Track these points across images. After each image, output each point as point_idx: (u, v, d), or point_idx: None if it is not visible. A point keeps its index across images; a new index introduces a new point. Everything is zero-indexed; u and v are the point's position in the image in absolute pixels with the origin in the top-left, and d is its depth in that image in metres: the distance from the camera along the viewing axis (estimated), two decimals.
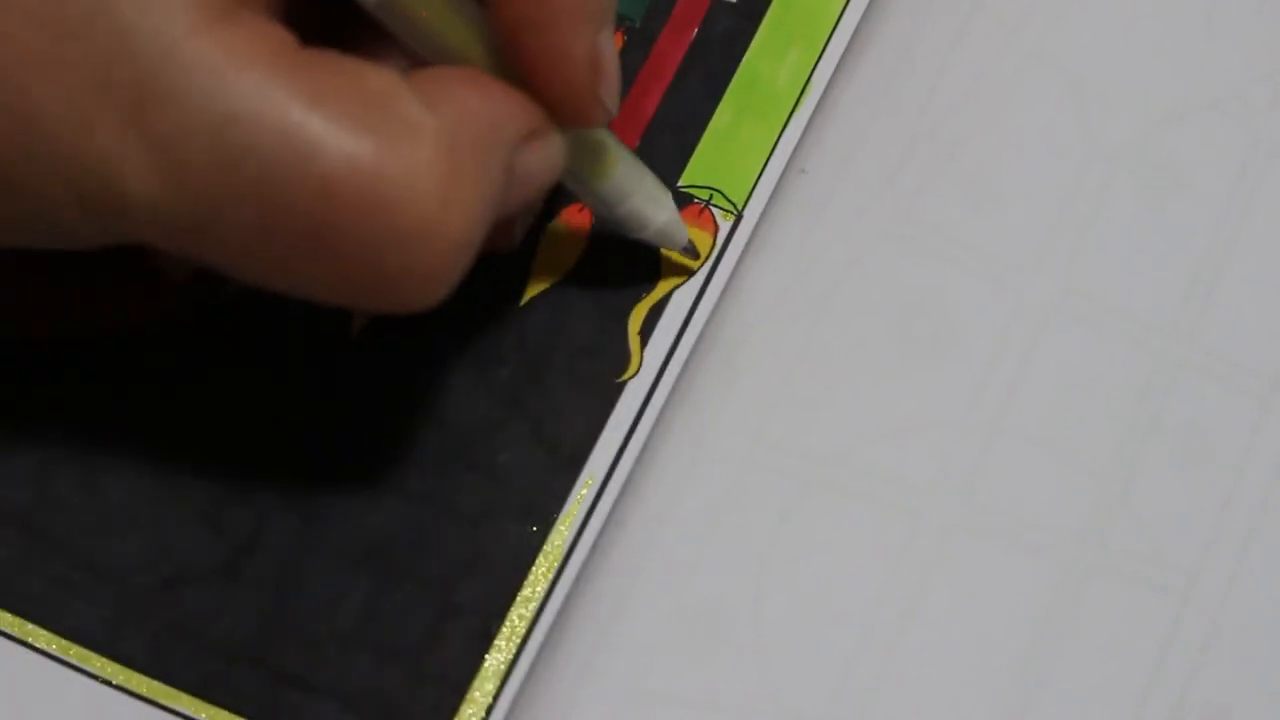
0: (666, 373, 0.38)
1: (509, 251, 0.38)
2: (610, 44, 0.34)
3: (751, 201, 0.40)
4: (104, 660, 0.35)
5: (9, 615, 0.36)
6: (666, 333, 0.38)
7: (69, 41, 0.30)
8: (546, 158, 0.34)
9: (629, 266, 0.39)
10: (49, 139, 0.30)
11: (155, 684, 0.35)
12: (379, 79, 0.31)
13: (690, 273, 0.39)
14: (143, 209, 0.30)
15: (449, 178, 0.31)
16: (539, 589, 0.36)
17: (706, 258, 0.39)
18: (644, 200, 0.37)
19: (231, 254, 0.31)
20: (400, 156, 0.30)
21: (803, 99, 0.41)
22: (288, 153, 0.30)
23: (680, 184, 0.40)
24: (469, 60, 0.33)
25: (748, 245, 0.40)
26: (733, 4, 0.41)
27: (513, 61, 0.33)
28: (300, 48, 0.31)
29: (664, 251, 0.39)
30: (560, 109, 0.33)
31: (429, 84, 0.31)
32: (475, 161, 0.31)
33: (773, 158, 0.40)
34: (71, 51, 0.30)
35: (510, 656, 0.36)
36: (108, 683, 0.35)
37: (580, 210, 0.39)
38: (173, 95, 0.30)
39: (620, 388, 0.38)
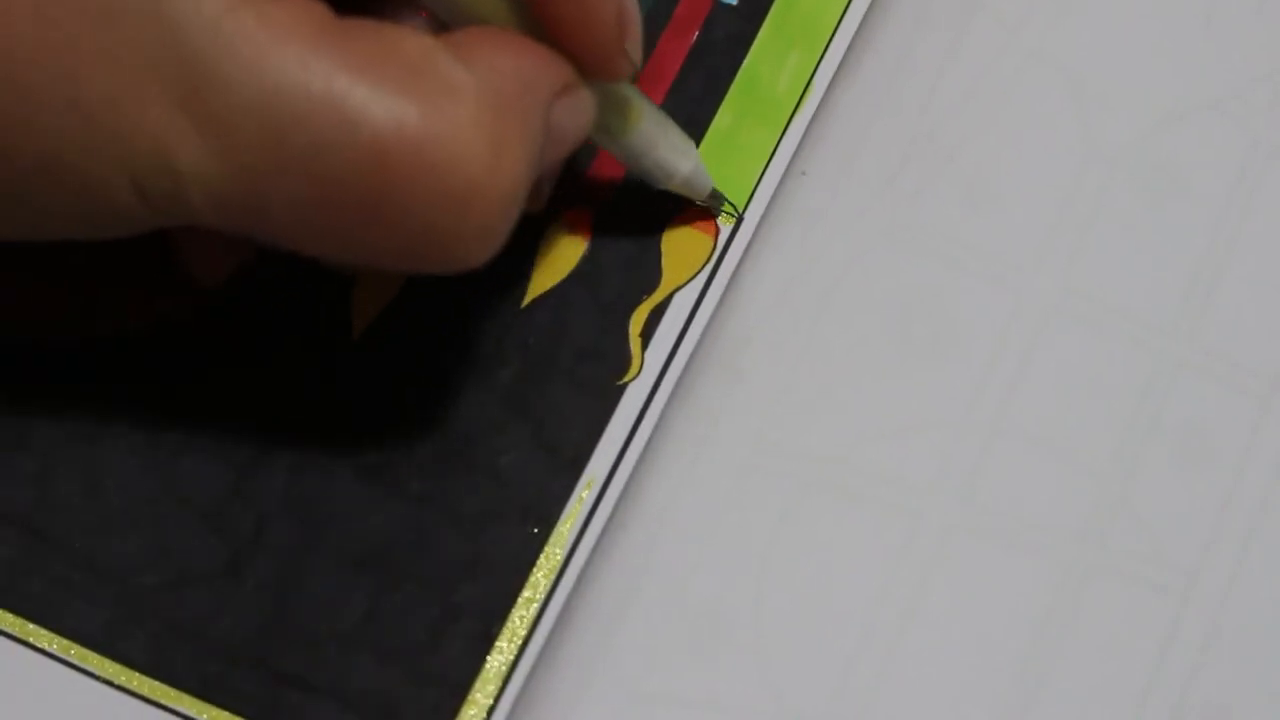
0: (667, 375, 0.38)
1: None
2: (635, 4, 0.34)
3: (752, 204, 0.40)
4: (104, 660, 0.36)
5: (10, 615, 0.36)
6: (667, 335, 0.38)
7: (111, 25, 0.30)
8: (579, 112, 0.34)
9: (630, 268, 0.39)
10: (101, 124, 0.30)
11: (156, 684, 0.35)
12: (416, 43, 0.31)
13: (730, 215, 0.39)
14: (197, 188, 0.31)
15: (494, 135, 0.31)
16: (540, 590, 0.36)
17: (708, 260, 0.39)
18: (669, 150, 0.38)
19: (286, 227, 0.31)
20: (445, 117, 0.31)
21: (803, 102, 0.41)
22: (335, 121, 0.30)
23: None
24: (495, 20, 0.33)
25: (748, 247, 0.40)
26: (733, 6, 0.41)
27: (540, 19, 0.33)
28: (335, 18, 0.31)
29: (696, 206, 0.39)
30: (588, 64, 0.34)
31: (462, 45, 0.32)
32: (517, 118, 0.32)
33: (773, 160, 0.40)
34: (114, 36, 0.30)
35: (511, 658, 0.36)
36: (108, 683, 0.35)
37: (581, 211, 0.39)
38: (218, 72, 0.30)
39: (621, 390, 0.38)
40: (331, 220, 0.31)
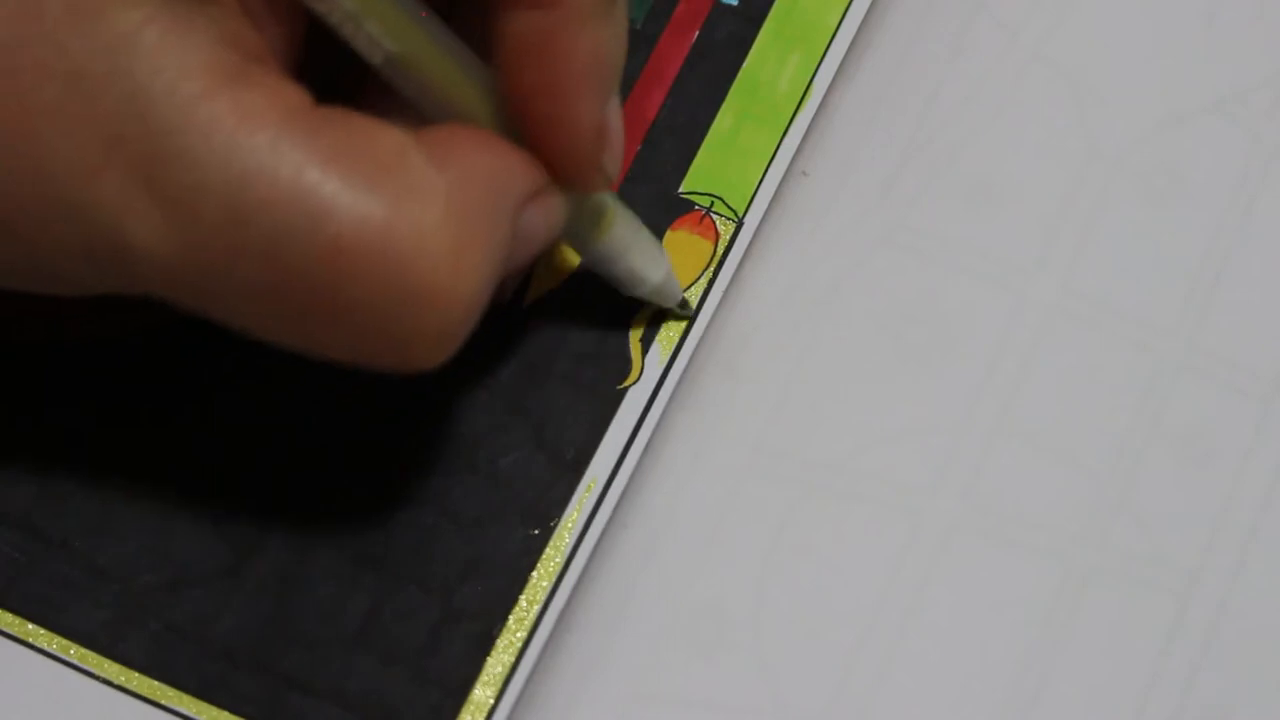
0: (668, 378, 0.38)
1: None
2: (617, 113, 0.34)
3: (752, 207, 0.40)
4: (104, 660, 0.36)
5: (10, 615, 0.36)
6: (668, 339, 0.38)
7: (83, 96, 0.30)
8: (548, 218, 0.34)
9: None
10: (58, 189, 0.30)
11: (156, 685, 0.35)
12: (390, 139, 0.31)
13: (688, 318, 0.39)
14: (150, 264, 0.30)
15: (458, 238, 0.31)
16: (541, 592, 0.36)
17: (708, 265, 0.39)
18: (640, 258, 0.37)
19: (239, 311, 0.31)
20: (411, 217, 0.30)
21: (804, 103, 0.41)
22: (301, 212, 0.30)
23: (681, 190, 0.40)
24: (475, 119, 0.33)
25: (748, 251, 0.40)
26: (734, 7, 0.41)
27: (518, 123, 0.33)
28: (313, 106, 0.31)
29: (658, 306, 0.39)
30: (562, 173, 0.34)
31: (437, 142, 0.32)
32: (483, 221, 0.31)
33: (774, 163, 0.40)
34: (84, 106, 0.30)
35: (512, 660, 0.36)
36: (109, 683, 0.35)
37: None
38: (186, 155, 0.30)
39: (622, 394, 0.38)
40: (285, 310, 0.31)
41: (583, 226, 0.36)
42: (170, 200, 0.30)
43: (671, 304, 0.38)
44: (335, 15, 0.32)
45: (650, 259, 0.37)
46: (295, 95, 0.31)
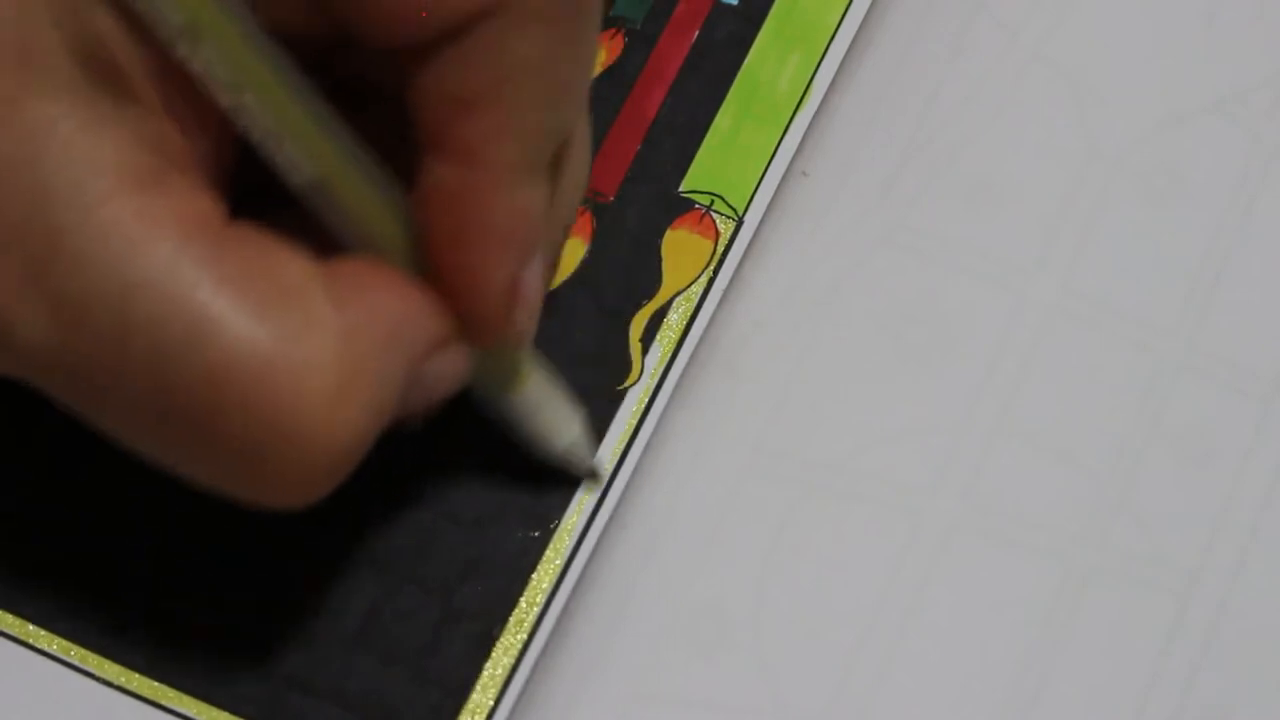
0: (668, 378, 0.38)
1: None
2: (537, 276, 0.33)
3: (752, 206, 0.40)
4: (105, 661, 0.35)
5: (9, 615, 0.36)
6: (668, 339, 0.38)
7: None
8: (451, 369, 0.33)
9: (631, 272, 0.39)
10: None
11: (156, 685, 0.35)
12: (293, 268, 0.31)
13: (598, 487, 0.38)
14: (30, 358, 0.30)
15: (342, 382, 0.30)
16: (541, 592, 0.36)
17: (708, 264, 0.39)
18: (551, 419, 0.36)
19: (113, 420, 0.31)
20: (297, 352, 0.30)
21: (804, 103, 0.41)
22: (186, 332, 0.29)
23: (681, 189, 0.40)
24: (391, 254, 0.32)
25: (749, 249, 0.40)
26: (734, 7, 0.41)
27: (432, 269, 0.32)
28: (223, 223, 0.31)
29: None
30: (470, 328, 0.33)
31: (343, 278, 0.31)
32: (374, 365, 0.31)
33: (774, 162, 0.40)
34: None
35: (512, 661, 0.36)
36: (109, 684, 0.35)
37: (580, 213, 0.39)
38: (80, 257, 0.29)
39: (622, 394, 0.38)
40: (159, 427, 0.30)
41: (491, 380, 0.35)
42: (58, 301, 0.29)
43: (581, 469, 0.37)
44: (256, 133, 0.31)
45: (561, 421, 0.36)
46: (206, 207, 0.30)
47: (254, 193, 0.32)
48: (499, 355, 0.34)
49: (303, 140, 0.31)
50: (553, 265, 0.35)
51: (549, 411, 0.36)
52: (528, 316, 0.33)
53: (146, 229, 0.29)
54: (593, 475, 0.37)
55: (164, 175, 0.30)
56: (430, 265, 0.32)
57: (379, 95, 0.33)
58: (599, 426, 0.38)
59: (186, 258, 0.29)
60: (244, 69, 0.30)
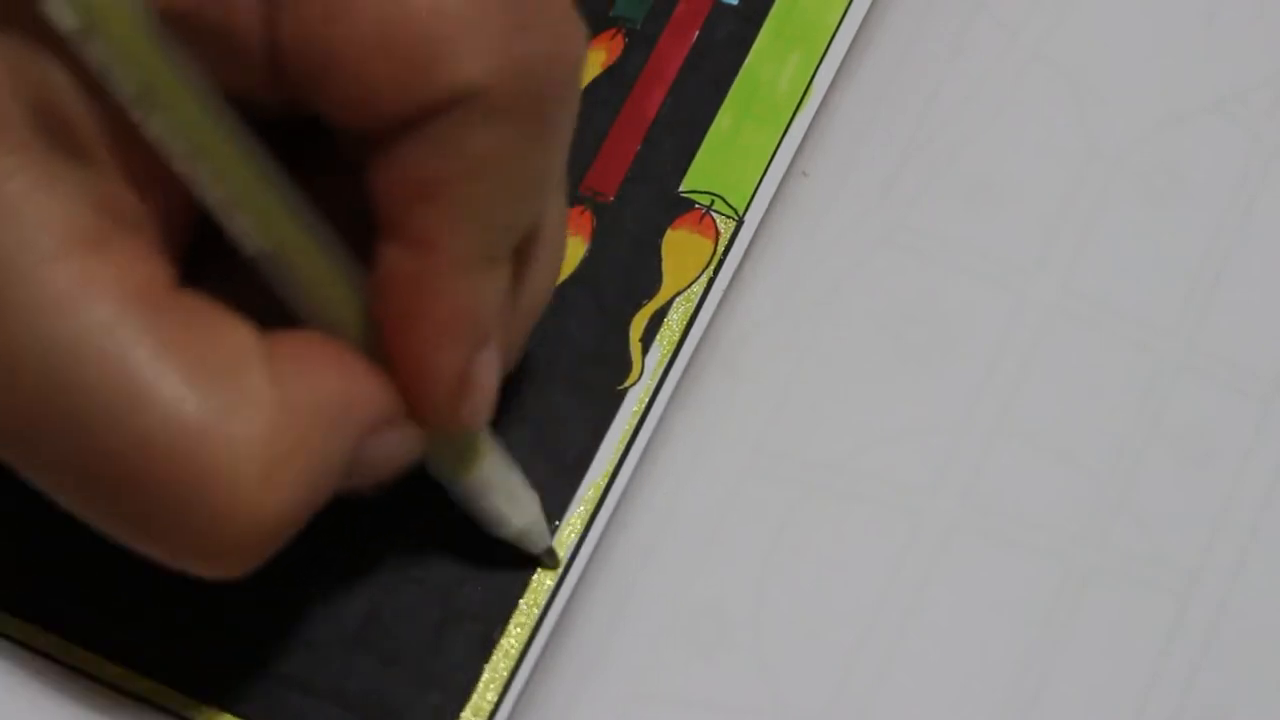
0: (668, 378, 0.38)
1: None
2: (489, 366, 0.32)
3: (752, 206, 0.40)
4: (105, 662, 0.35)
5: (9, 615, 0.36)
6: (668, 339, 0.38)
7: None
8: (399, 446, 0.33)
9: (631, 272, 0.39)
10: None
11: (156, 685, 0.35)
12: (234, 339, 0.30)
13: (554, 569, 0.37)
14: None
15: (272, 456, 0.30)
16: (541, 594, 0.36)
17: (708, 264, 0.39)
18: (505, 500, 0.35)
19: (41, 478, 0.31)
20: (227, 425, 0.30)
21: (804, 103, 0.41)
22: (116, 396, 0.29)
23: (682, 189, 0.40)
24: (343, 328, 0.32)
25: (748, 250, 0.40)
26: (734, 7, 0.41)
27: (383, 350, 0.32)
28: (166, 289, 0.30)
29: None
30: (419, 413, 0.32)
31: (286, 351, 0.31)
32: (307, 443, 0.30)
33: (774, 162, 0.40)
34: None
35: (512, 663, 0.36)
36: (109, 684, 0.35)
37: (580, 213, 0.39)
38: (17, 312, 0.29)
39: (622, 394, 0.38)
40: (85, 488, 0.30)
41: (444, 459, 0.34)
42: None
43: (537, 551, 0.36)
44: (209, 200, 0.30)
45: (516, 502, 0.36)
46: (150, 272, 0.30)
47: (214, 248, 0.32)
48: (452, 435, 0.34)
49: (256, 212, 0.31)
50: (514, 354, 0.35)
51: (503, 494, 0.35)
52: (478, 405, 0.33)
53: (85, 290, 0.29)
54: (551, 557, 0.37)
55: (111, 237, 0.30)
56: (381, 347, 0.32)
57: (345, 165, 0.32)
58: (599, 428, 0.38)
59: (123, 322, 0.29)
60: (198, 138, 0.30)
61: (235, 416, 0.30)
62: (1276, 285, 0.40)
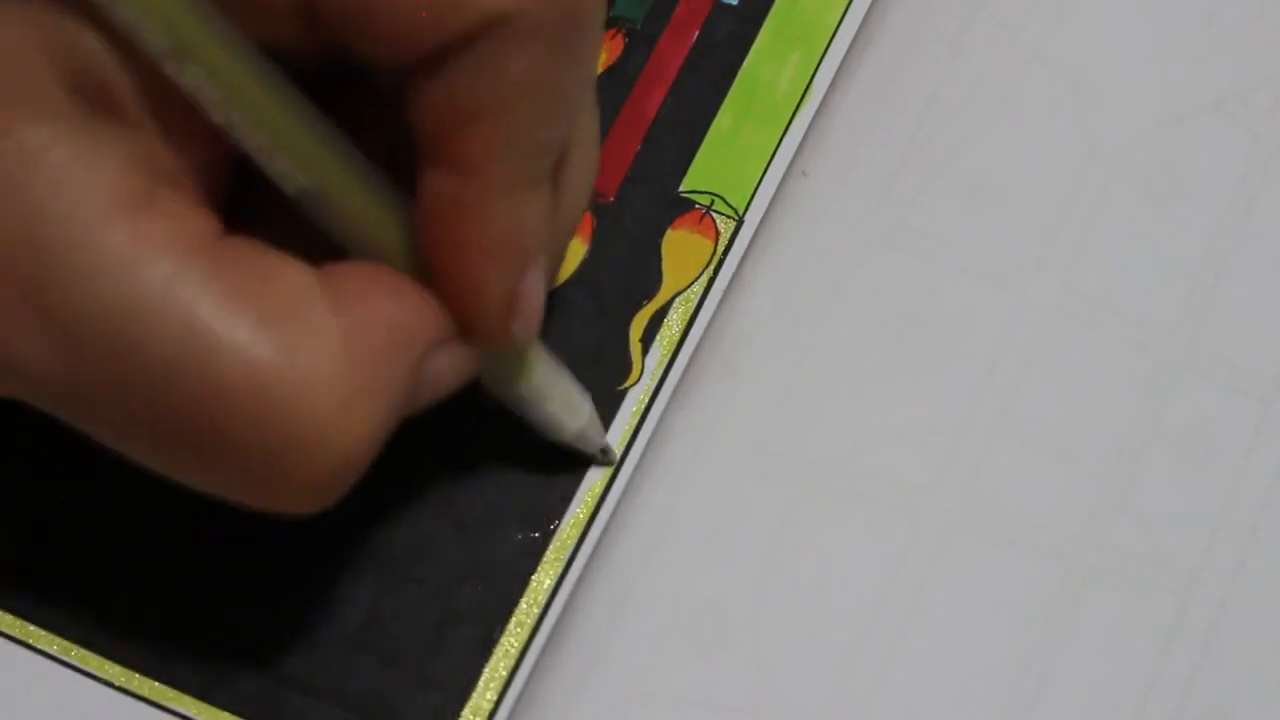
0: (668, 378, 0.38)
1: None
2: (537, 285, 0.33)
3: (752, 206, 0.40)
4: (105, 662, 0.35)
5: (9, 615, 0.36)
6: (667, 339, 0.38)
7: None
8: (456, 365, 0.33)
9: (631, 272, 0.39)
10: None
11: (156, 685, 0.35)
12: (290, 278, 0.31)
13: (610, 465, 0.38)
14: (34, 382, 0.30)
15: (348, 386, 0.30)
16: (541, 595, 0.36)
17: (708, 264, 0.39)
18: (560, 407, 0.36)
19: (119, 436, 0.31)
20: (300, 362, 0.30)
21: (804, 102, 0.41)
22: (188, 349, 0.29)
23: (682, 189, 0.40)
24: (388, 258, 0.32)
25: (748, 250, 0.40)
26: (734, 7, 0.41)
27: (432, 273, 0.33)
28: (217, 238, 0.31)
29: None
30: (471, 331, 0.33)
31: (341, 283, 0.31)
32: (378, 369, 0.31)
33: (774, 162, 0.40)
34: None
35: (512, 663, 0.36)
36: (109, 684, 0.35)
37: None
38: (78, 279, 0.29)
39: (622, 394, 0.38)
40: (168, 444, 0.31)
41: (498, 372, 0.35)
42: (58, 323, 0.29)
43: (593, 450, 0.37)
44: (248, 147, 0.31)
45: (571, 407, 0.36)
46: (200, 225, 0.30)
47: (252, 195, 0.32)
48: (505, 351, 0.35)
49: (295, 153, 0.31)
50: (555, 270, 0.35)
51: (558, 397, 0.36)
52: (529, 323, 0.33)
53: (142, 250, 0.29)
54: (605, 455, 0.37)
55: (157, 194, 0.30)
56: (430, 272, 0.32)
57: (382, 103, 0.33)
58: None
59: (183, 276, 0.29)
60: (232, 86, 0.30)
61: (306, 353, 0.30)
62: (1276, 285, 0.40)
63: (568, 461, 0.37)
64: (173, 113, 0.30)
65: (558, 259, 0.35)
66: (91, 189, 0.29)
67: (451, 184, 0.31)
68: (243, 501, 0.31)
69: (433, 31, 0.30)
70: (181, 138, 0.31)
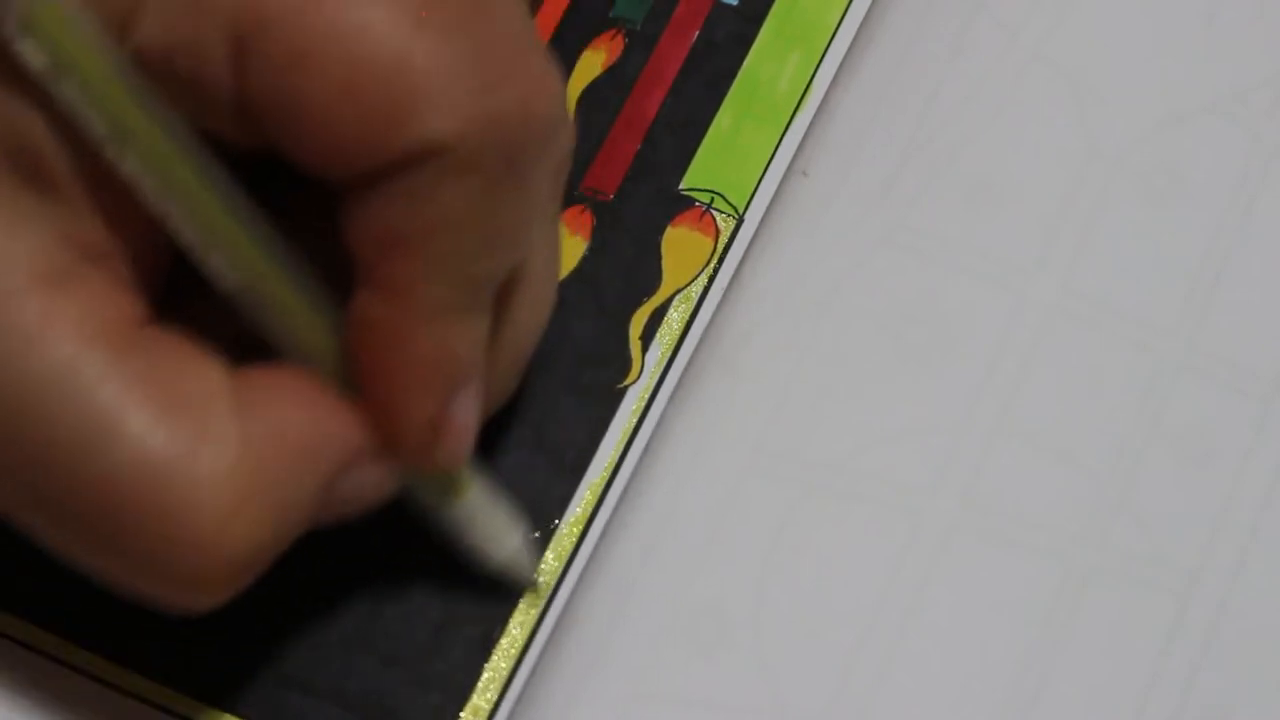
0: (668, 377, 0.38)
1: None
2: (467, 409, 0.32)
3: (752, 205, 0.40)
4: (105, 661, 0.35)
5: (9, 615, 0.36)
6: (667, 337, 0.38)
7: None
8: (372, 484, 0.33)
9: (631, 270, 0.39)
10: None
11: (156, 685, 0.35)
12: (201, 376, 0.30)
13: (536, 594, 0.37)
14: None
15: (239, 492, 0.30)
16: (541, 594, 0.36)
17: (708, 262, 0.39)
18: (485, 537, 0.35)
19: (11, 510, 0.31)
20: (193, 461, 0.30)
21: (804, 102, 0.41)
22: (82, 433, 0.29)
23: (682, 187, 0.40)
24: (319, 363, 0.32)
25: (749, 249, 0.40)
26: (734, 7, 0.41)
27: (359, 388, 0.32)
28: (135, 325, 0.30)
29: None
30: (396, 450, 0.32)
31: (256, 387, 0.31)
32: (277, 479, 0.31)
33: (774, 161, 0.40)
34: None
35: (512, 663, 0.36)
36: (109, 684, 0.35)
37: (580, 211, 0.39)
38: None
39: (621, 394, 0.38)
40: (53, 523, 0.30)
41: (425, 492, 0.34)
42: None
43: (521, 583, 0.36)
44: (183, 239, 0.31)
45: (498, 533, 0.35)
46: (120, 309, 0.30)
47: (195, 276, 0.32)
48: (430, 473, 0.34)
49: (230, 250, 0.31)
50: (502, 396, 0.35)
51: (487, 522, 0.35)
52: (454, 448, 0.33)
53: (51, 328, 0.29)
54: (534, 588, 0.36)
55: (79, 273, 0.30)
56: (357, 388, 0.32)
57: (323, 199, 0.32)
58: (598, 427, 0.38)
59: (89, 360, 0.29)
60: (170, 176, 0.30)
61: (201, 452, 0.30)
62: (1276, 285, 0.40)
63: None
64: (111, 194, 0.30)
65: (505, 381, 0.35)
66: (11, 261, 0.29)
67: (378, 304, 0.31)
68: (135, 592, 0.31)
69: (364, 153, 0.30)
70: (118, 219, 0.31)
